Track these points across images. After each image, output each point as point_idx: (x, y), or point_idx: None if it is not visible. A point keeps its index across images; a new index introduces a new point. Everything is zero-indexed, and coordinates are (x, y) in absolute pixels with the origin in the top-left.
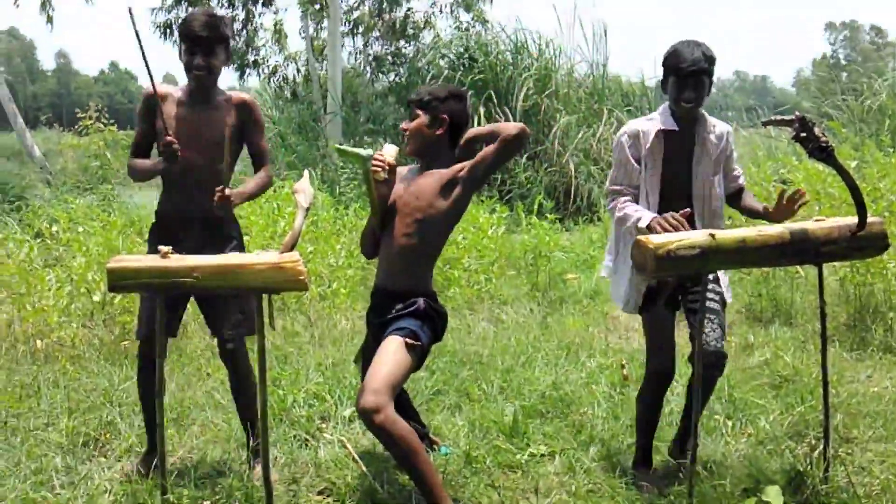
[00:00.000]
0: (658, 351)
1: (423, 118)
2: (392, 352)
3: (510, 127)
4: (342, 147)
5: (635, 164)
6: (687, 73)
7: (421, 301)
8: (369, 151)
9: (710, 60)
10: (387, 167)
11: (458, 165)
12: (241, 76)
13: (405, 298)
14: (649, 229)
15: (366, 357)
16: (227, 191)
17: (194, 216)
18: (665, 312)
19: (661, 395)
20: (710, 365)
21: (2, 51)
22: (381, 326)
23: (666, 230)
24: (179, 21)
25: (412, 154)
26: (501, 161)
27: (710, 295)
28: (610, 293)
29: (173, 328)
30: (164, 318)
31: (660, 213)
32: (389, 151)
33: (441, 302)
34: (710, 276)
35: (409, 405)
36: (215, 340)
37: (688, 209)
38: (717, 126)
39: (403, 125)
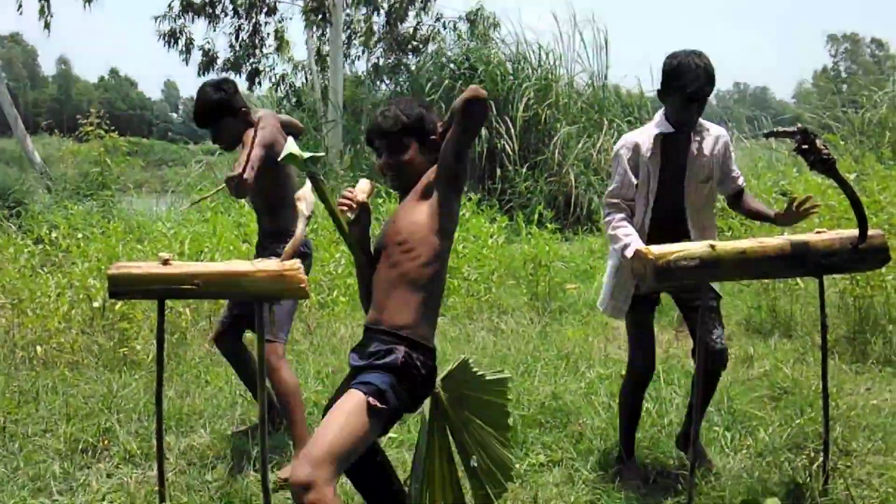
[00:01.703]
0: (639, 350)
1: (413, 147)
2: (347, 412)
3: (460, 98)
4: (290, 151)
5: (633, 178)
6: (691, 96)
7: (400, 351)
8: (315, 155)
9: (713, 81)
10: (355, 206)
11: (427, 172)
12: (251, 86)
13: (388, 338)
14: (630, 259)
15: (328, 407)
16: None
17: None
18: (646, 312)
19: (642, 391)
20: (714, 362)
21: (3, 56)
22: (355, 371)
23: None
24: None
25: (400, 189)
26: (467, 137)
27: (710, 294)
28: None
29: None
30: (163, 321)
31: (652, 221)
32: (363, 188)
33: (440, 325)
34: None
35: (389, 477)
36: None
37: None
38: (712, 129)
39: (384, 162)
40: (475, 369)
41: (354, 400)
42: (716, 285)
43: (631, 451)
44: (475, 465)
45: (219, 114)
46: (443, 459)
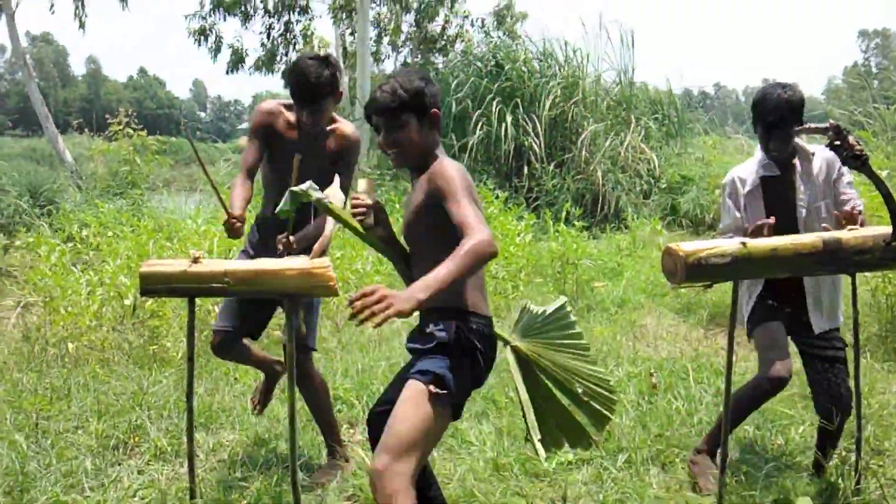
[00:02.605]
0: (770, 362)
1: (412, 123)
2: (412, 404)
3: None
4: (294, 190)
5: (736, 213)
6: (769, 125)
7: (451, 326)
8: (320, 194)
9: (794, 108)
10: (367, 210)
11: (436, 185)
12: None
13: (438, 316)
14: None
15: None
16: (291, 238)
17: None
18: (775, 326)
19: (764, 400)
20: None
21: (34, 56)
22: (411, 354)
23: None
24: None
25: (404, 167)
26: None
27: (837, 344)
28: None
29: (256, 332)
30: (194, 318)
31: None
32: (363, 188)
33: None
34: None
35: (428, 482)
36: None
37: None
38: (818, 152)
39: (383, 141)
40: (534, 309)
41: (416, 391)
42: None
43: (714, 454)
44: (580, 391)
45: (329, 91)
46: (548, 402)
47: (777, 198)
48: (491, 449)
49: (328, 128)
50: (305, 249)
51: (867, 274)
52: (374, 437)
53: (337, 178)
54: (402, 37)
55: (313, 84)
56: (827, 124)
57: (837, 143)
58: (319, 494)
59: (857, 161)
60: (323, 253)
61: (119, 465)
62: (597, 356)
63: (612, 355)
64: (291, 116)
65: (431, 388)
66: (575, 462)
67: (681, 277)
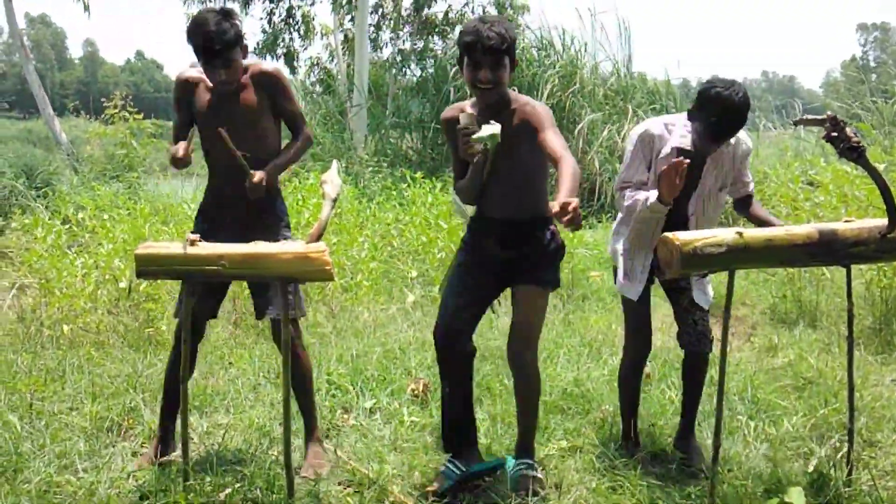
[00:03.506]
0: (636, 333)
1: (507, 65)
2: (541, 307)
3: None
4: (477, 136)
5: (646, 170)
6: (725, 130)
7: (556, 239)
8: (494, 128)
9: (745, 119)
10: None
11: (535, 122)
12: (293, 71)
13: (531, 227)
14: (660, 200)
15: (470, 286)
16: (257, 175)
17: (237, 199)
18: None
19: (640, 373)
20: (698, 342)
21: (32, 38)
22: (509, 261)
23: (672, 184)
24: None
25: (491, 101)
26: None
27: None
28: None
29: (214, 310)
30: (191, 303)
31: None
32: (465, 121)
33: None
34: None
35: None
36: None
37: (686, 161)
38: (736, 137)
39: (485, 76)
40: None
41: (542, 295)
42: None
43: (637, 438)
44: None
45: (235, 40)
46: None
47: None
48: (484, 436)
49: (242, 81)
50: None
51: (862, 266)
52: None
53: (335, 163)
54: (401, 22)
55: (215, 34)
56: (824, 116)
57: (834, 134)
58: (313, 479)
59: (853, 153)
60: (320, 237)
61: (113, 446)
62: (591, 345)
63: (606, 344)
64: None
65: (550, 290)
66: (569, 450)
67: (676, 267)
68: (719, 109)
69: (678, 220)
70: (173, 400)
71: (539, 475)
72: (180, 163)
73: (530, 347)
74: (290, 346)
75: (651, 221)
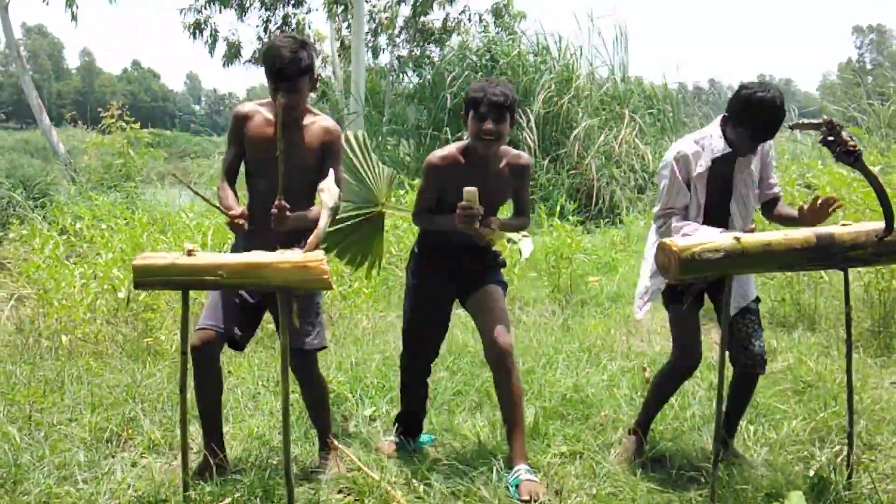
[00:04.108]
0: (684, 347)
1: (508, 120)
2: (502, 299)
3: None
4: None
5: (686, 188)
6: (764, 132)
7: (501, 255)
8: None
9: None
10: (478, 215)
11: (518, 161)
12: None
13: (483, 252)
14: None
15: (434, 306)
16: (284, 204)
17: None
18: (691, 309)
19: (679, 385)
20: (754, 364)
21: (29, 48)
22: (465, 274)
23: None
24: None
25: (491, 151)
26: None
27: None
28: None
29: (242, 341)
30: (187, 312)
31: (704, 222)
32: (469, 197)
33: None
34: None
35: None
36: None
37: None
38: None
39: (491, 129)
40: None
41: (500, 291)
42: (755, 287)
43: (644, 439)
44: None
45: (306, 70)
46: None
47: (718, 180)
48: (485, 442)
49: (306, 122)
50: (289, 237)
51: (860, 269)
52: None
53: (332, 172)
54: (398, 29)
55: (289, 60)
56: (820, 120)
57: (831, 138)
58: (312, 487)
59: (850, 157)
60: (317, 246)
61: (112, 457)
62: (590, 350)
63: (605, 350)
64: (269, 115)
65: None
66: (568, 456)
67: (674, 272)
68: (766, 113)
69: (719, 223)
70: (210, 420)
71: (537, 479)
72: (238, 223)
73: (510, 337)
74: (309, 369)
75: None
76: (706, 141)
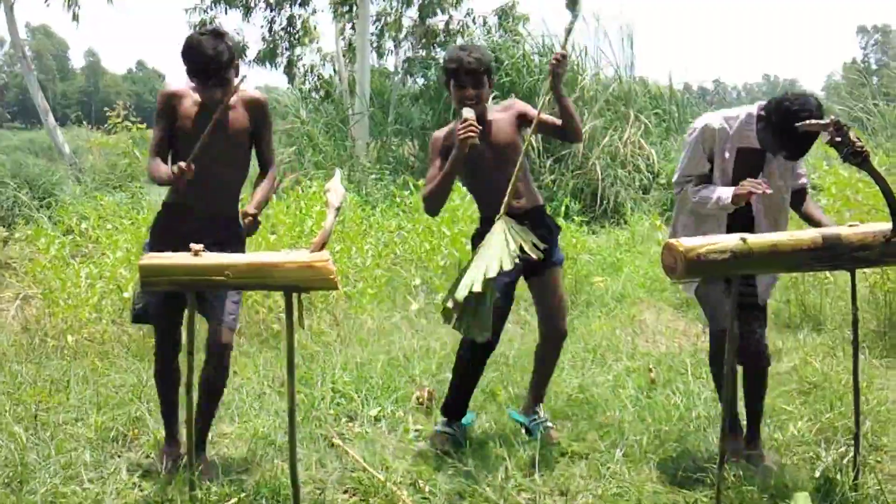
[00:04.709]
0: (715, 317)
1: (486, 83)
2: (562, 284)
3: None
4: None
5: (707, 162)
6: (801, 143)
7: (555, 223)
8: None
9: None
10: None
11: (519, 110)
12: (291, 80)
13: (532, 215)
14: (734, 203)
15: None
16: (251, 209)
17: (204, 214)
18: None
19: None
20: (757, 360)
21: (33, 48)
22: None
23: (747, 198)
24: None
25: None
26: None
27: (748, 290)
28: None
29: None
30: (193, 314)
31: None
32: (469, 114)
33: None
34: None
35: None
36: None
37: (766, 184)
38: None
39: (471, 92)
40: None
41: (561, 274)
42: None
43: (737, 426)
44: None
45: (229, 61)
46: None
47: (747, 170)
48: (491, 442)
49: (231, 101)
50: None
51: (865, 270)
52: None
53: (338, 172)
54: (404, 32)
55: (212, 57)
56: (827, 120)
57: (837, 139)
58: (318, 488)
59: (857, 157)
60: (323, 246)
61: (118, 457)
62: (595, 351)
63: (611, 350)
64: (198, 97)
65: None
66: (571, 455)
67: (680, 273)
68: (787, 117)
69: (744, 219)
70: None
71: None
72: (182, 179)
73: (566, 318)
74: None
75: (720, 212)
76: (735, 122)
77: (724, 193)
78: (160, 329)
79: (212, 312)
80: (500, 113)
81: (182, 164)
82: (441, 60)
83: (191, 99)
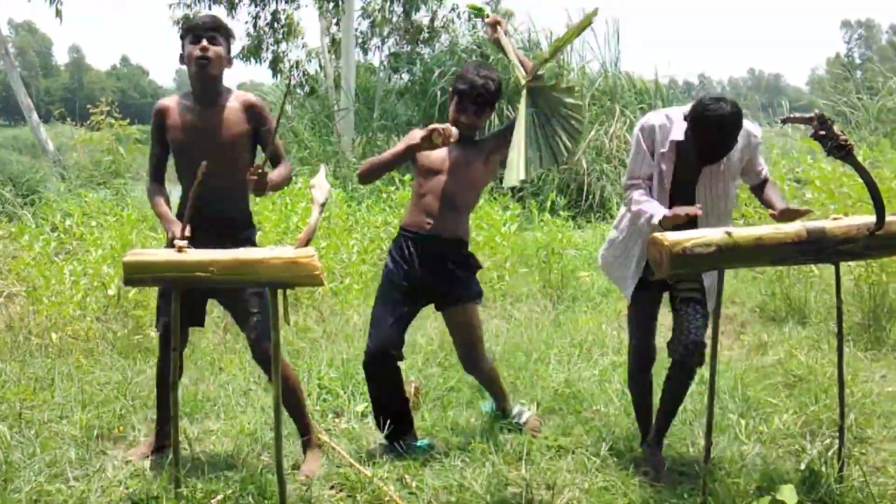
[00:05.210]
0: (637, 333)
1: (487, 113)
2: (475, 321)
3: None
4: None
5: (651, 158)
6: (715, 145)
7: (473, 258)
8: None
9: (734, 143)
10: (449, 140)
11: (492, 143)
12: (274, 73)
13: (452, 246)
14: (661, 225)
15: (399, 303)
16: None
17: (209, 218)
18: (651, 296)
19: (646, 375)
20: (687, 353)
21: (17, 44)
22: (436, 276)
23: (676, 222)
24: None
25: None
26: None
27: (693, 286)
28: (610, 275)
29: (199, 318)
30: (179, 308)
31: (670, 203)
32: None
33: None
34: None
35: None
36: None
37: (698, 207)
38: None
39: (472, 118)
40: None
41: (474, 310)
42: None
43: (659, 441)
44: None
45: (226, 30)
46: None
47: (687, 164)
48: (477, 438)
49: (228, 103)
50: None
51: (850, 263)
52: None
53: (322, 168)
54: (389, 27)
55: (209, 17)
56: (811, 114)
57: (822, 132)
58: (304, 484)
59: (841, 151)
60: (308, 242)
61: (104, 454)
62: (581, 345)
63: (597, 345)
64: (187, 101)
65: (478, 304)
66: (558, 449)
67: (666, 267)
68: (703, 126)
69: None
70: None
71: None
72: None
73: (480, 359)
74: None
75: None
76: (676, 117)
77: (658, 213)
78: (169, 330)
79: (245, 325)
80: (476, 151)
81: (177, 241)
82: (427, 57)
83: (177, 110)
